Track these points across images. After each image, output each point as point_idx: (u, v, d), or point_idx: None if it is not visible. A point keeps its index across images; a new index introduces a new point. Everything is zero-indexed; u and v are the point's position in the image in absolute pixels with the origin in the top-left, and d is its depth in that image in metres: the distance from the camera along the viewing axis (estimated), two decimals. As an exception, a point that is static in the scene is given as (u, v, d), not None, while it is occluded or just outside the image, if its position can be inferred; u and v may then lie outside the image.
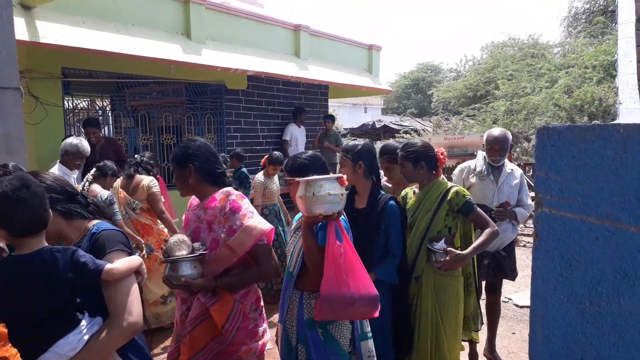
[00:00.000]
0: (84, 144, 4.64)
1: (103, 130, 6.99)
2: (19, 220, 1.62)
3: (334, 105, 28.42)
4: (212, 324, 2.29)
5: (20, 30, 4.75)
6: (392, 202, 2.86)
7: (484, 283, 4.04)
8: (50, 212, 1.71)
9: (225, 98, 8.08)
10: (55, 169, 4.57)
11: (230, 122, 8.27)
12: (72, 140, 4.63)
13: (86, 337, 1.66)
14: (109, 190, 4.22)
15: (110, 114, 8.47)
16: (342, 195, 2.20)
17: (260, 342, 2.41)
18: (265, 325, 2.49)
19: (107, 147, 5.93)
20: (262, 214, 5.36)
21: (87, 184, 4.16)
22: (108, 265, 1.68)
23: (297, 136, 9.02)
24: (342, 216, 2.36)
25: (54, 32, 5.12)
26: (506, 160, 3.90)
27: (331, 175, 2.26)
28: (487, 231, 2.89)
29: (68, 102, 6.48)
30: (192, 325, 2.34)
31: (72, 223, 1.83)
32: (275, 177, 5.85)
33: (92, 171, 4.23)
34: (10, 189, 1.62)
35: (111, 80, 7.03)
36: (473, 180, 3.85)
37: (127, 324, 1.68)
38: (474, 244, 2.89)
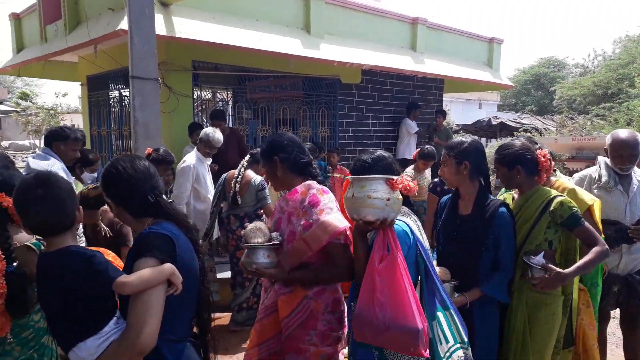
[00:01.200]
0: (216, 136, 4.95)
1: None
2: (34, 220, 1.67)
3: (446, 100, 27.50)
4: None
5: (159, 25, 5.15)
6: (503, 208, 2.54)
7: (611, 312, 3.50)
8: (75, 214, 1.72)
9: (339, 92, 8.15)
10: (193, 155, 4.96)
11: (343, 116, 8.33)
12: (208, 130, 4.97)
13: (106, 344, 1.62)
14: (261, 176, 4.52)
15: (231, 106, 8.96)
16: (387, 200, 1.97)
17: (331, 348, 2.26)
18: (344, 333, 2.33)
19: (231, 136, 6.29)
20: (416, 211, 5.30)
21: (242, 169, 4.47)
22: (120, 279, 1.60)
23: (410, 132, 8.87)
24: (414, 231, 2.18)
25: (188, 27, 5.49)
26: (635, 167, 3.32)
27: (377, 176, 2.05)
28: (595, 250, 2.50)
29: (196, 93, 6.94)
30: (264, 314, 2.35)
31: (139, 220, 1.83)
32: (427, 172, 5.79)
33: (247, 157, 4.57)
34: (26, 188, 1.66)
35: (234, 73, 7.40)
36: (597, 192, 3.28)
37: (134, 343, 1.57)
38: (578, 263, 2.51)
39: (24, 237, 2.04)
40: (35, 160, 3.87)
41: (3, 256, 1.85)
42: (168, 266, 1.65)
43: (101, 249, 2.15)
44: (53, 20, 6.73)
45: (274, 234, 2.27)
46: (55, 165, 3.79)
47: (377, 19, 8.01)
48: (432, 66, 8.73)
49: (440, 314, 2.14)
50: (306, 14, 6.88)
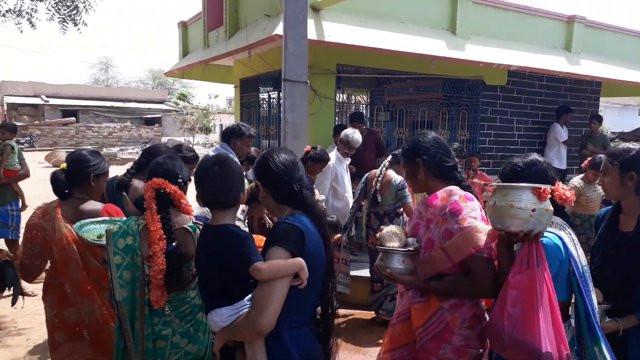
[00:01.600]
0: (355, 137, 5.09)
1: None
2: (206, 194, 1.89)
3: (600, 105, 24.86)
4: None
5: (310, 30, 5.41)
6: None
7: None
8: (239, 195, 1.92)
9: (482, 94, 7.84)
10: (333, 155, 5.17)
11: (485, 119, 8.00)
12: (348, 131, 5.14)
13: (235, 317, 1.79)
14: (401, 176, 4.59)
15: (368, 108, 9.09)
16: (532, 210, 1.83)
17: None
18: (485, 351, 2.18)
19: (369, 138, 6.40)
20: (572, 224, 5.02)
21: (384, 168, 4.61)
22: (257, 264, 1.74)
23: (559, 139, 8.22)
24: (568, 246, 1.99)
25: (337, 31, 5.70)
26: None
27: (521, 184, 1.90)
28: None
29: (338, 96, 7.17)
30: (397, 319, 2.30)
31: (280, 206, 1.95)
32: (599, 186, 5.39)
33: (389, 157, 4.71)
34: (205, 165, 1.91)
35: (375, 75, 7.51)
36: None
37: (255, 323, 1.72)
38: None
39: (182, 220, 2.30)
40: (212, 153, 4.30)
41: (164, 236, 2.12)
42: (299, 261, 1.76)
43: (256, 236, 2.37)
44: (215, 27, 7.43)
45: (410, 240, 2.20)
46: None
47: (529, 18, 7.56)
48: (588, 67, 8.00)
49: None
50: (452, 15, 6.75)
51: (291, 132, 5.09)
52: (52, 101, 31.01)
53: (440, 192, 2.19)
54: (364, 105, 9.41)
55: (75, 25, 5.79)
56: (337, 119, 7.41)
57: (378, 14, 6.19)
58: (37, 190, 9.44)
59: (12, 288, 2.34)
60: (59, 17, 5.63)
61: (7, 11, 5.53)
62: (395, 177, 4.58)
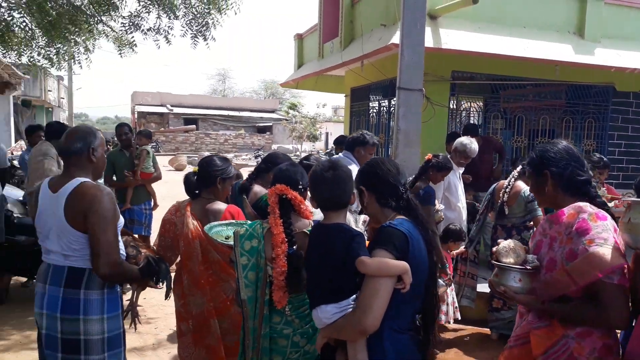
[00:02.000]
0: (473, 147, 4.89)
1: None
2: (321, 196, 1.96)
3: None
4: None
5: (427, 38, 5.38)
6: None
7: None
8: (351, 197, 1.98)
9: (612, 101, 7.22)
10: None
11: (615, 128, 7.36)
12: (464, 140, 4.94)
13: (339, 315, 1.81)
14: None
15: (481, 115, 8.77)
16: None
17: None
18: None
19: (484, 146, 6.17)
20: None
21: (512, 179, 4.44)
22: (363, 257, 1.77)
23: None
24: None
25: (453, 38, 5.61)
26: None
27: None
28: None
29: (452, 103, 7.02)
30: (514, 342, 2.14)
31: (384, 210, 1.95)
32: None
33: (518, 168, 4.47)
34: (321, 170, 1.97)
35: (490, 82, 7.24)
36: None
37: (359, 321, 1.74)
38: None
39: (302, 225, 2.37)
40: None
41: (286, 240, 2.20)
42: (403, 264, 1.76)
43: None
44: (330, 39, 7.66)
45: (530, 257, 2.04)
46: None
47: (670, 17, 6.85)
48: None
49: None
50: (580, 17, 6.33)
51: (403, 140, 5.09)
52: (176, 110, 33.79)
53: (568, 208, 2.00)
54: (478, 113, 9.10)
55: (205, 40, 6.28)
56: (450, 126, 7.24)
57: (498, 20, 5.99)
58: (163, 190, 10.35)
59: (164, 282, 2.57)
60: (191, 33, 6.15)
61: (148, 29, 6.16)
62: (525, 189, 4.34)
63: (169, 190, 9.40)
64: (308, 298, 2.09)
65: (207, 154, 25.27)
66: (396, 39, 5.19)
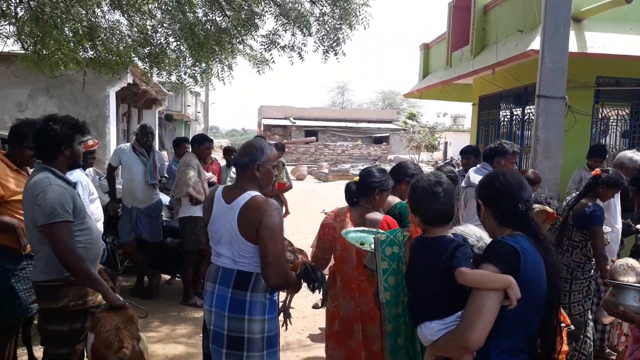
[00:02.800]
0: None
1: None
2: (431, 211, 1.95)
3: None
4: None
5: (570, 42, 5.05)
6: None
7: None
8: (454, 210, 1.99)
9: None
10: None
11: None
12: (632, 155, 4.41)
13: (444, 332, 1.80)
14: None
15: (629, 124, 7.94)
16: None
17: None
18: None
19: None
20: None
21: None
22: (462, 268, 1.76)
23: None
24: None
25: (600, 41, 5.21)
26: None
27: None
28: None
29: (596, 111, 6.48)
30: None
31: (501, 226, 1.87)
32: None
33: None
34: (428, 185, 1.97)
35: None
36: None
37: (462, 337, 1.70)
38: None
39: None
40: (475, 174, 4.18)
41: None
42: (508, 277, 1.68)
43: None
44: (459, 47, 7.51)
45: None
46: None
47: None
48: None
49: None
50: None
51: (543, 151, 4.80)
52: (298, 122, 35.21)
53: None
54: (625, 121, 8.27)
55: (335, 55, 6.49)
56: (593, 137, 6.67)
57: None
58: (292, 199, 10.83)
59: (320, 290, 2.72)
60: (323, 49, 6.40)
61: (283, 46, 6.52)
62: None
63: (297, 198, 9.80)
64: (411, 315, 2.09)
65: (325, 164, 26.10)
66: (536, 44, 4.94)
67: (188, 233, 5.16)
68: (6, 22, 6.08)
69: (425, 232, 2.01)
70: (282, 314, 2.79)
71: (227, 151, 7.40)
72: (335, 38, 6.38)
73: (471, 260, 1.84)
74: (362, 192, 2.97)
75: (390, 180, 3.03)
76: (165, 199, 6.22)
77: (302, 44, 6.53)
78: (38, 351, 3.79)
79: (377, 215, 2.91)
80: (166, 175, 6.42)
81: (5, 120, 8.20)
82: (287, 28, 6.08)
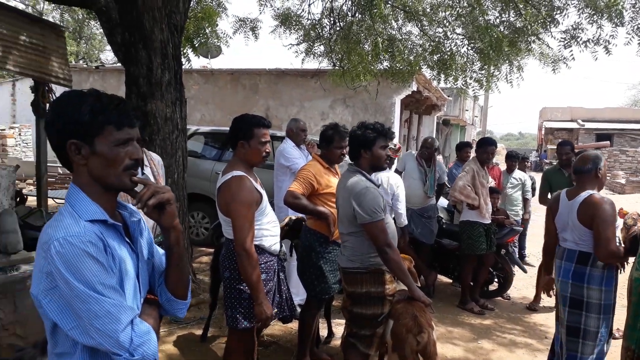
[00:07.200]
0: None
1: None
2: None
3: None
4: None
5: None
6: None
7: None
8: None
9: None
10: None
11: None
12: None
13: None
14: None
15: None
16: None
17: None
18: None
19: None
20: None
21: None
22: None
23: None
24: None
25: None
26: None
27: None
28: None
29: None
30: None
31: None
32: None
33: None
34: None
35: None
36: None
37: None
38: None
39: None
40: None
41: None
42: None
43: None
44: None
45: None
46: None
47: None
48: None
49: None
50: None
51: None
52: (588, 125, 31.20)
53: None
54: None
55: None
56: None
57: None
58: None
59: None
60: (638, 40, 5.48)
61: (586, 41, 5.82)
62: None
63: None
64: None
65: (621, 173, 22.36)
66: None
67: (465, 237, 5.23)
68: (320, 43, 7.11)
69: None
70: None
71: (509, 156, 7.00)
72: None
73: None
74: None
75: None
76: (445, 202, 6.34)
77: (610, 36, 5.73)
78: (335, 327, 4.32)
79: None
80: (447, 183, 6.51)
81: (311, 126, 9.62)
82: (594, 19, 5.42)
